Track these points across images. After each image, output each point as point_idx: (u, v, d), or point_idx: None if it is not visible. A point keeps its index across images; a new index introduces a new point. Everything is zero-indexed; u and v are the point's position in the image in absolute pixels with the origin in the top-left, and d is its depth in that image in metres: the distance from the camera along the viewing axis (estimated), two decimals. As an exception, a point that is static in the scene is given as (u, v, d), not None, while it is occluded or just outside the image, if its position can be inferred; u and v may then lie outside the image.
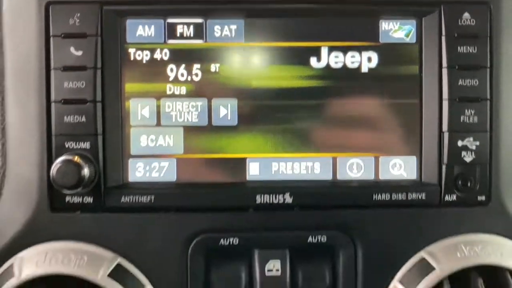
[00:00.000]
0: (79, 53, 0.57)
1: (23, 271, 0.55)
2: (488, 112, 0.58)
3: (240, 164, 0.60)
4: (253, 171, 0.59)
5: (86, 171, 0.54)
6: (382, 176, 0.60)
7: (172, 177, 0.59)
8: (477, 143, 0.58)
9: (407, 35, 0.60)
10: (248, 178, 0.59)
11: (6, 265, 0.57)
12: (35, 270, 0.55)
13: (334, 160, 0.60)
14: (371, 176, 0.60)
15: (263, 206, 0.58)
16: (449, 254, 0.57)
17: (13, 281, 0.55)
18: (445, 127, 0.58)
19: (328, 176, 0.60)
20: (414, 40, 0.60)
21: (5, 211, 0.59)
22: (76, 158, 0.54)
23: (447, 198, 0.58)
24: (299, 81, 0.59)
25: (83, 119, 0.57)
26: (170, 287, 0.58)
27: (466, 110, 0.58)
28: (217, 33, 0.59)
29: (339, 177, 0.60)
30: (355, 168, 0.60)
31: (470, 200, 0.58)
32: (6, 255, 0.57)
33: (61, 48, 0.57)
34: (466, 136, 0.58)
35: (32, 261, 0.55)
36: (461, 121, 0.58)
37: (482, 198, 0.59)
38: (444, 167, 0.58)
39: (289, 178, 0.60)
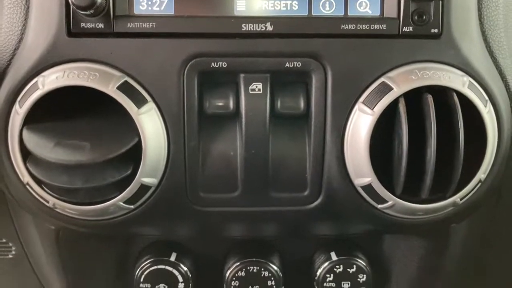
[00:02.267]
0: None
1: (46, 85, 0.66)
2: None
3: (228, 2, 0.69)
4: (240, 7, 0.69)
5: None
6: (350, 13, 0.69)
7: (171, 10, 0.69)
8: None
9: None
10: (235, 13, 0.69)
11: (31, 82, 0.67)
12: (55, 83, 0.66)
13: (310, -2, 0.70)
14: (341, 13, 0.69)
15: (247, 33, 0.68)
16: (405, 77, 0.67)
17: (38, 92, 0.65)
18: None
19: (304, 13, 0.69)
20: None
21: (30, 39, 0.69)
22: None
23: (404, 29, 0.68)
24: None
25: None
26: (168, 102, 0.68)
27: None
28: None
29: (314, 13, 0.69)
30: (327, 6, 0.69)
31: (425, 32, 0.68)
32: (31, 76, 0.68)
33: None
34: None
35: (53, 77, 0.66)
36: None
37: (435, 31, 0.68)
38: (402, 2, 0.68)
39: (271, 14, 0.69)
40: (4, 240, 0.97)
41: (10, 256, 0.99)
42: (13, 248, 0.98)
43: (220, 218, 0.76)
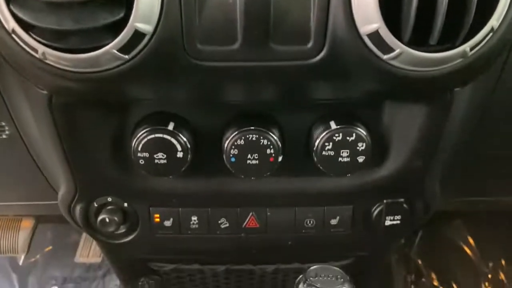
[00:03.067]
0: None
1: None
2: None
3: None
4: None
5: None
6: None
7: None
8: None
9: None
10: None
11: None
12: None
13: None
14: None
15: None
16: None
17: None
18: None
19: None
20: None
21: None
22: None
23: None
24: None
25: None
26: None
27: None
28: None
29: None
30: None
31: None
32: None
33: None
34: None
35: None
36: None
37: None
38: None
39: None
40: (-3, 121, 0.95)
41: (4, 136, 0.97)
42: (6, 128, 0.96)
43: (218, 74, 0.73)
